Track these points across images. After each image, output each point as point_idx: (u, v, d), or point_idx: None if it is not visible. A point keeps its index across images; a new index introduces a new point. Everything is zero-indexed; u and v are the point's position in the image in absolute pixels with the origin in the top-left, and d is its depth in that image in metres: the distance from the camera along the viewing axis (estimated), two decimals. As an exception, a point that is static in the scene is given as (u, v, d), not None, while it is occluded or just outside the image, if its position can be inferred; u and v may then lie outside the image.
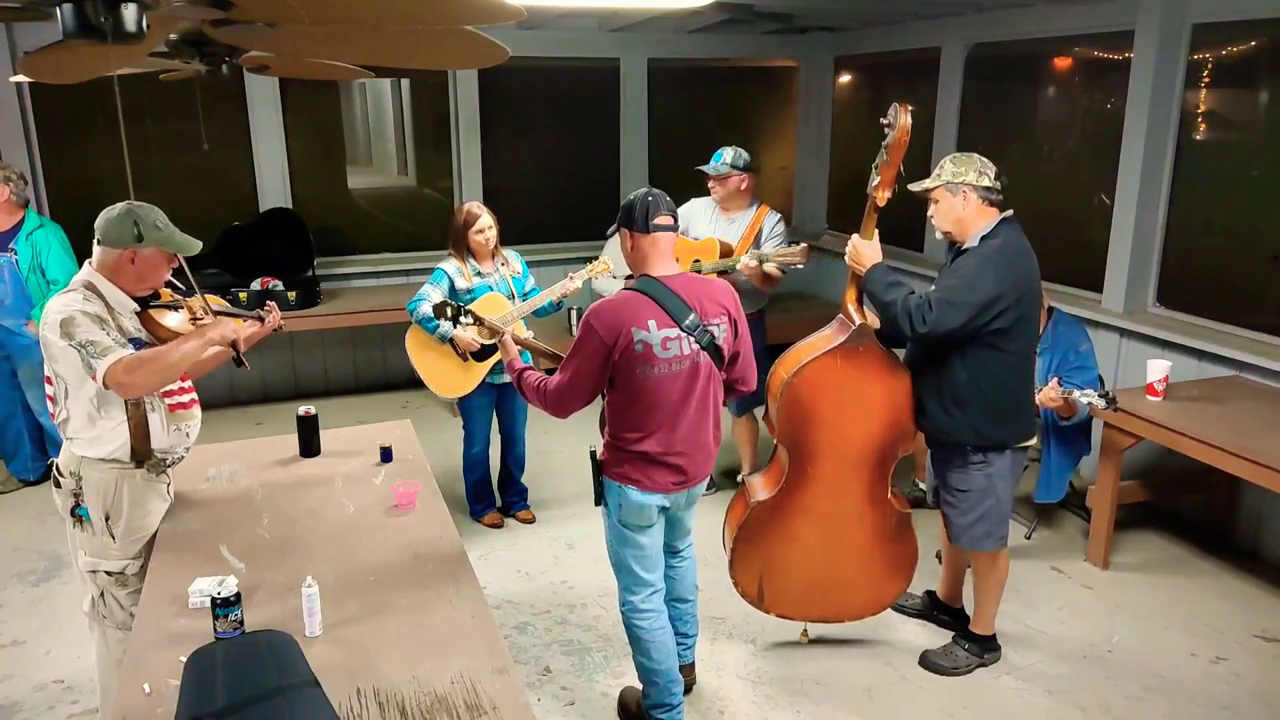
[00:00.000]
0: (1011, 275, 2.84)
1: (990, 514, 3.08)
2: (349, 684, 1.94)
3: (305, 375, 6.19)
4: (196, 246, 2.57)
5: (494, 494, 4.44)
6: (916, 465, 4.45)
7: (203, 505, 2.79)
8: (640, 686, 2.92)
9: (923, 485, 4.13)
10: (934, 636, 3.47)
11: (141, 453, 2.55)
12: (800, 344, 3.08)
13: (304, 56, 2.39)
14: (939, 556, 3.71)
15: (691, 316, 2.56)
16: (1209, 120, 4.44)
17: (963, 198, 2.91)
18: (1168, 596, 3.76)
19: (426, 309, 3.75)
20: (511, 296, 3.97)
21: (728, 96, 7.27)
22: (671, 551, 2.97)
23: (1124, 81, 4.45)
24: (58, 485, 2.59)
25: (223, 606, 2.02)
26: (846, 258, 3.06)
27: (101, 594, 2.59)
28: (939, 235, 3.05)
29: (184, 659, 1.93)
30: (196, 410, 2.74)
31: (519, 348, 2.95)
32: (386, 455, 3.12)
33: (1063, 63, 5.25)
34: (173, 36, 1.98)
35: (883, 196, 2.95)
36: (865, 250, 3.00)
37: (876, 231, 3.02)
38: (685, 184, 4.49)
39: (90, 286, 2.48)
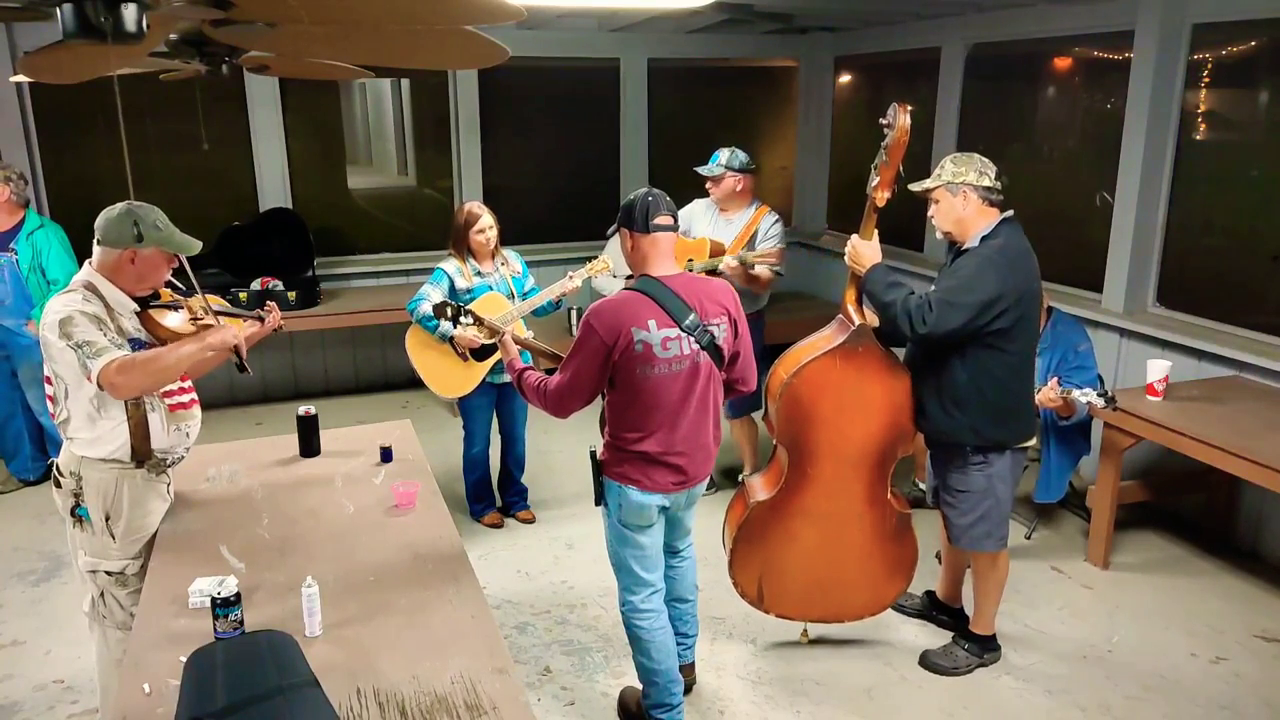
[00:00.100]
0: (1012, 276, 2.84)
1: (990, 514, 3.08)
2: (349, 684, 1.94)
3: (305, 375, 6.19)
4: (196, 246, 2.57)
5: (494, 494, 4.44)
6: (916, 465, 4.45)
7: (203, 505, 2.79)
8: (640, 686, 2.92)
9: (923, 485, 4.13)
10: (934, 636, 3.47)
11: (142, 453, 2.55)
12: (800, 344, 3.08)
13: (304, 56, 2.39)
14: (939, 557, 3.71)
15: (691, 316, 2.56)
16: (1209, 120, 4.44)
17: (963, 198, 2.91)
18: (1168, 596, 3.76)
19: (426, 308, 3.75)
20: (511, 296, 3.97)
21: (728, 96, 7.27)
22: (671, 551, 2.98)
23: (1124, 81, 4.45)
24: (58, 485, 2.59)
25: (223, 606, 2.02)
26: (846, 258, 3.06)
27: (101, 594, 2.59)
28: (939, 235, 3.05)
29: (184, 659, 1.93)
30: (196, 410, 2.74)
31: (519, 348, 2.95)
32: (386, 455, 3.12)
33: (1063, 63, 5.25)
34: (173, 36, 1.98)
35: (882, 197, 2.95)
36: (865, 250, 3.00)
37: (876, 232, 3.02)
38: (685, 184, 4.49)
39: (90, 287, 2.48)
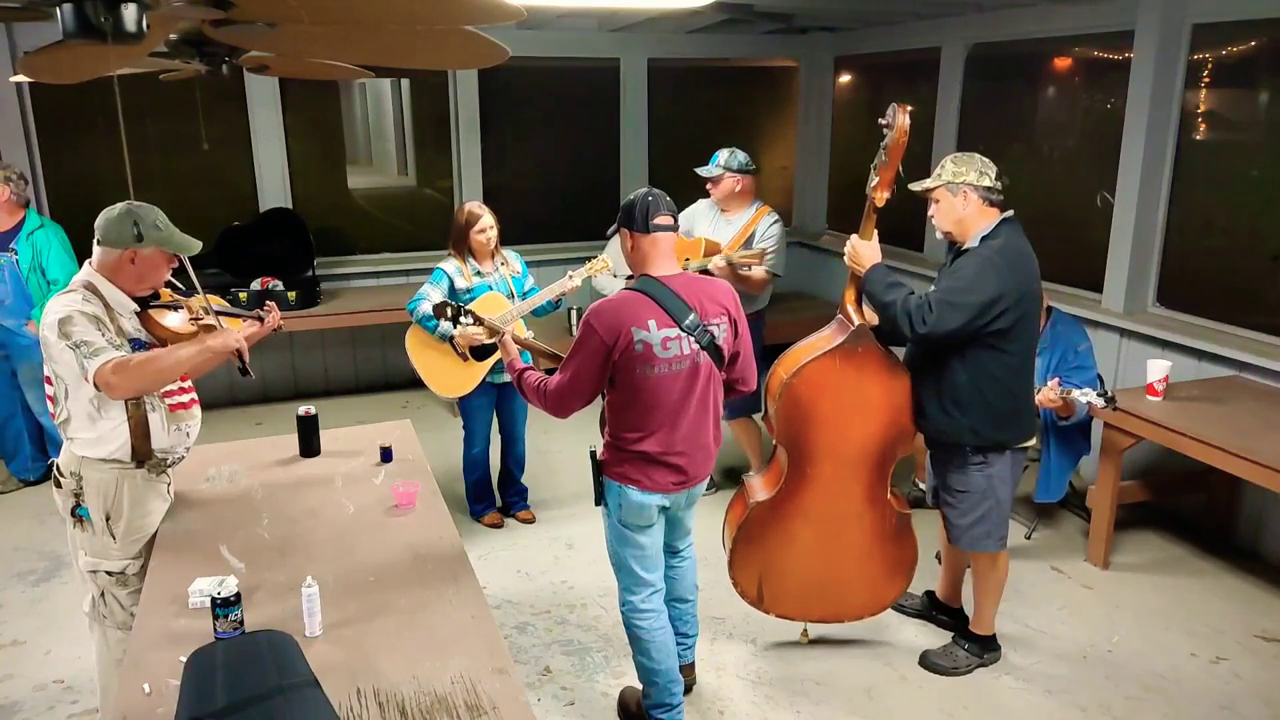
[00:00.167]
0: (1012, 276, 2.83)
1: (990, 515, 3.08)
2: (349, 684, 1.94)
3: (305, 375, 6.19)
4: (196, 246, 2.57)
5: (494, 494, 4.44)
6: (916, 465, 4.45)
7: (203, 505, 2.79)
8: (640, 686, 2.92)
9: (922, 485, 4.13)
10: (934, 637, 3.47)
11: (142, 453, 2.55)
12: (799, 344, 3.08)
13: (304, 56, 2.39)
14: (939, 557, 3.71)
15: (691, 316, 2.56)
16: (1209, 120, 4.44)
17: (963, 198, 2.91)
18: (1168, 596, 3.76)
19: (426, 308, 3.76)
20: (511, 296, 3.97)
21: (728, 96, 7.27)
22: (671, 551, 2.98)
23: (1124, 81, 4.45)
24: (58, 485, 2.59)
25: (223, 606, 2.02)
26: (845, 258, 3.06)
27: (102, 594, 2.59)
28: (939, 235, 3.05)
29: (184, 659, 1.93)
30: (196, 410, 2.74)
31: (519, 347, 2.95)
32: (386, 455, 3.12)
33: (1063, 63, 5.25)
34: (173, 36, 1.98)
35: (881, 197, 2.95)
36: (864, 250, 3.00)
37: (876, 232, 3.02)
38: (685, 184, 4.49)
39: (90, 287, 2.48)
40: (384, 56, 2.47)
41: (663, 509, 2.74)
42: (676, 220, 2.66)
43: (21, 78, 2.62)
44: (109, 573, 2.57)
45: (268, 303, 2.93)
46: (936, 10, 5.49)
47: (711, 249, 4.11)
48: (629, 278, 2.74)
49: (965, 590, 3.46)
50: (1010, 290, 2.82)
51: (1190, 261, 4.57)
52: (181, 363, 2.46)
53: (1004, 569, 3.22)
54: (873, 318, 3.04)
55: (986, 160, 2.94)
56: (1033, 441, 3.12)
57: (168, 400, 2.61)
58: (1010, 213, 2.96)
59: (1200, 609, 3.66)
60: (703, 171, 4.23)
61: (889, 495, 3.13)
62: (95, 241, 2.51)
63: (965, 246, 2.95)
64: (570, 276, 3.84)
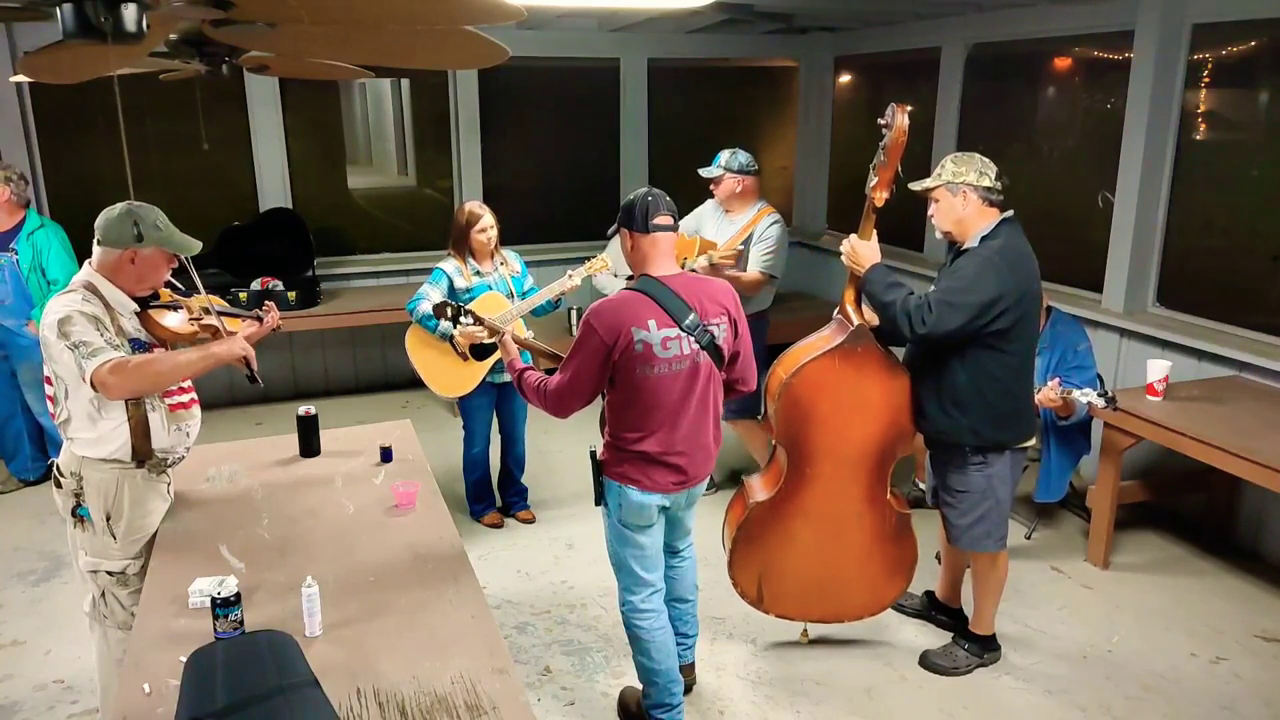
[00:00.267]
0: (1012, 277, 2.83)
1: (989, 515, 3.08)
2: (349, 684, 1.94)
3: (305, 375, 6.19)
4: (196, 247, 2.58)
5: (494, 494, 4.44)
6: (916, 465, 4.45)
7: (203, 505, 2.79)
8: (640, 686, 2.92)
9: (922, 485, 4.13)
10: (934, 637, 3.47)
11: (142, 453, 2.55)
12: (799, 344, 3.08)
13: (304, 56, 2.39)
14: (939, 557, 3.71)
15: (691, 316, 2.56)
16: (1209, 120, 4.44)
17: (963, 198, 2.91)
18: (1168, 596, 3.76)
19: (426, 308, 3.76)
20: (510, 296, 3.97)
21: (728, 96, 7.27)
22: (671, 551, 2.98)
23: (1124, 81, 4.45)
24: (58, 485, 2.59)
25: (223, 606, 2.02)
26: (844, 258, 3.05)
27: (102, 594, 2.59)
28: (939, 235, 3.05)
29: (184, 659, 1.93)
30: (196, 410, 2.74)
31: (519, 347, 2.95)
32: (386, 455, 3.12)
33: (1063, 63, 5.25)
34: (173, 36, 1.98)
35: (880, 197, 2.95)
36: (864, 250, 3.00)
37: (875, 232, 3.02)
38: (685, 184, 4.50)
39: (90, 287, 2.48)
40: (384, 56, 2.47)
41: (663, 509, 2.74)
42: (676, 220, 2.66)
43: (21, 78, 2.62)
44: (109, 573, 2.57)
45: (267, 303, 2.94)
46: (936, 10, 5.49)
47: (707, 249, 4.11)
48: (629, 278, 2.74)
49: (965, 590, 3.46)
50: (1010, 290, 2.82)
51: (1190, 261, 4.57)
52: (182, 368, 2.47)
53: (1003, 569, 3.22)
54: (872, 318, 3.04)
55: (987, 160, 2.94)
56: (1032, 442, 3.12)
57: (168, 400, 2.61)
58: (1010, 213, 2.95)
59: (1200, 609, 3.66)
60: (704, 172, 4.24)
61: (889, 495, 3.13)
62: (95, 241, 2.51)
63: (965, 247, 2.95)
64: (570, 276, 3.84)
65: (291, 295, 5.44)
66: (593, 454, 2.77)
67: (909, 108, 2.85)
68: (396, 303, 4.92)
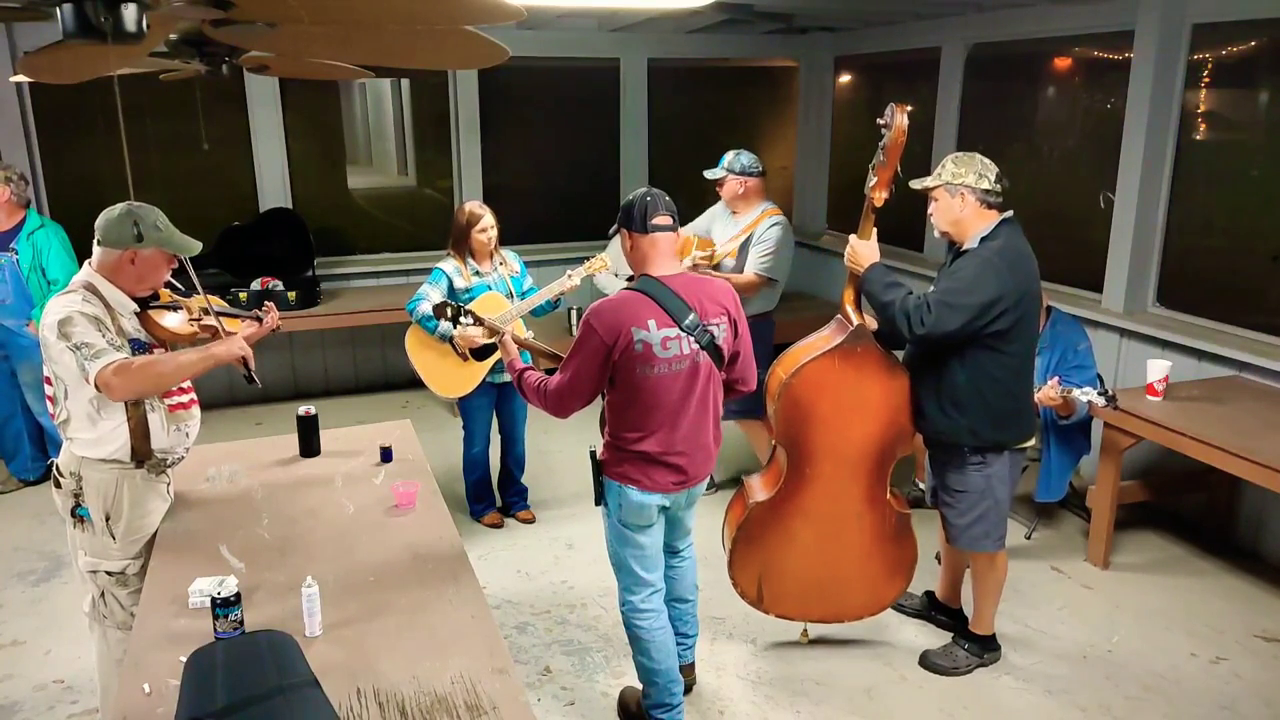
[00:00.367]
0: (1011, 278, 2.83)
1: (988, 515, 3.08)
2: (349, 684, 1.94)
3: (305, 375, 6.19)
4: (196, 247, 2.58)
5: (494, 494, 4.44)
6: (916, 465, 4.45)
7: (203, 505, 2.79)
8: (640, 686, 2.92)
9: (922, 485, 4.13)
10: (934, 637, 3.47)
11: (142, 453, 2.55)
12: (798, 345, 3.08)
13: (304, 56, 2.40)
14: (938, 557, 3.71)
15: (691, 316, 2.56)
16: (1209, 120, 4.44)
17: (961, 199, 2.91)
18: (1168, 596, 3.76)
19: (426, 308, 3.76)
20: (510, 296, 3.97)
21: (728, 96, 7.27)
22: (671, 551, 2.98)
23: (1124, 81, 4.45)
24: (58, 485, 2.59)
25: (223, 606, 2.02)
26: (845, 258, 3.06)
27: (102, 594, 2.59)
28: (937, 234, 3.05)
29: (184, 659, 1.93)
30: (196, 410, 2.74)
31: (519, 347, 2.95)
32: (386, 455, 3.12)
33: (1063, 63, 5.25)
34: (173, 36, 1.98)
35: (880, 197, 2.95)
36: (863, 250, 3.00)
37: (875, 232, 3.02)
38: (685, 184, 4.50)
39: (90, 287, 2.48)
40: (384, 56, 2.47)
41: (663, 509, 2.74)
42: (676, 220, 2.66)
43: (21, 78, 2.62)
44: (109, 573, 2.57)
45: (266, 303, 2.94)
46: (936, 10, 5.49)
47: (706, 248, 4.12)
48: (629, 278, 2.74)
49: (965, 591, 3.46)
50: (1009, 291, 2.82)
51: (1190, 261, 4.57)
52: (184, 369, 2.47)
53: (1003, 569, 3.22)
54: (872, 320, 3.04)
55: (987, 161, 2.94)
56: (1031, 442, 3.12)
57: (167, 401, 2.61)
58: (1010, 213, 2.95)
59: (1200, 609, 3.66)
60: (709, 174, 4.25)
61: (888, 495, 3.13)
62: (95, 242, 2.51)
63: (964, 247, 2.95)
64: (569, 276, 3.84)
65: (291, 295, 5.44)
66: (593, 454, 2.77)
67: (908, 108, 2.85)
68: (396, 303, 4.92)
